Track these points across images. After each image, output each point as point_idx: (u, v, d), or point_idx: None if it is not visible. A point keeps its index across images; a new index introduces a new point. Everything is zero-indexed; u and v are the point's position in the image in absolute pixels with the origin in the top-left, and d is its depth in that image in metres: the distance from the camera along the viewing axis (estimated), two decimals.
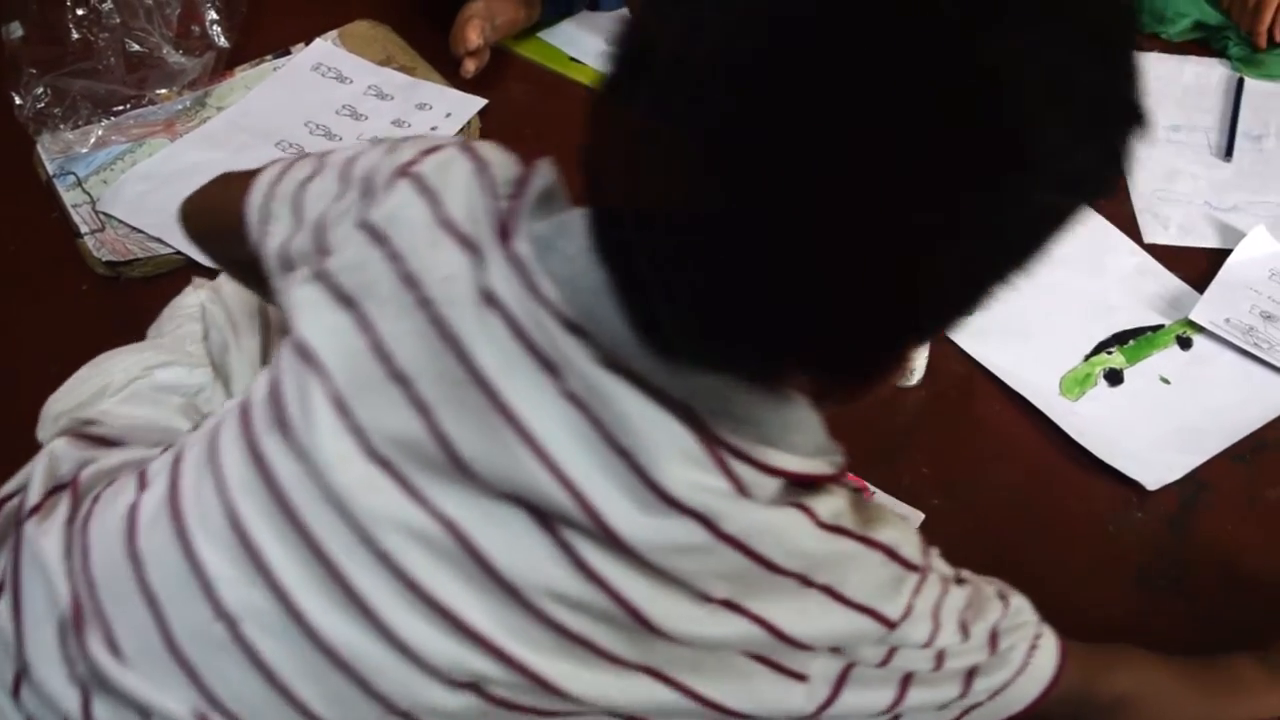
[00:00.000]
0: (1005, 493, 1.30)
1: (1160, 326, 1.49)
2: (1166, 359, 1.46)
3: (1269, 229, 1.59)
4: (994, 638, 0.84)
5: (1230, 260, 1.55)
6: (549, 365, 0.66)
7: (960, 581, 0.84)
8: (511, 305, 0.66)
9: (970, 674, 0.83)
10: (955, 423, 1.38)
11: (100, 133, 1.62)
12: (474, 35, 1.71)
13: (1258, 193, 1.68)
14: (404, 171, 0.74)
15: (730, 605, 0.70)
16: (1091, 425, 1.36)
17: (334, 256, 0.74)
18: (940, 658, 0.80)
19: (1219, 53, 1.91)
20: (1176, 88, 1.85)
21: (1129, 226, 1.61)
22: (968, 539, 1.23)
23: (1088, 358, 1.45)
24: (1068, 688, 0.90)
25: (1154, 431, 1.37)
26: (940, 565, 0.82)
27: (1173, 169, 1.71)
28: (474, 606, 0.68)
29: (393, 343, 0.69)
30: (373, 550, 0.68)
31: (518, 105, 1.76)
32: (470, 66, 1.74)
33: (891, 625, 0.75)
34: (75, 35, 1.67)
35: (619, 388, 0.65)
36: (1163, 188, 1.68)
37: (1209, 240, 1.61)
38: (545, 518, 0.67)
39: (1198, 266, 1.57)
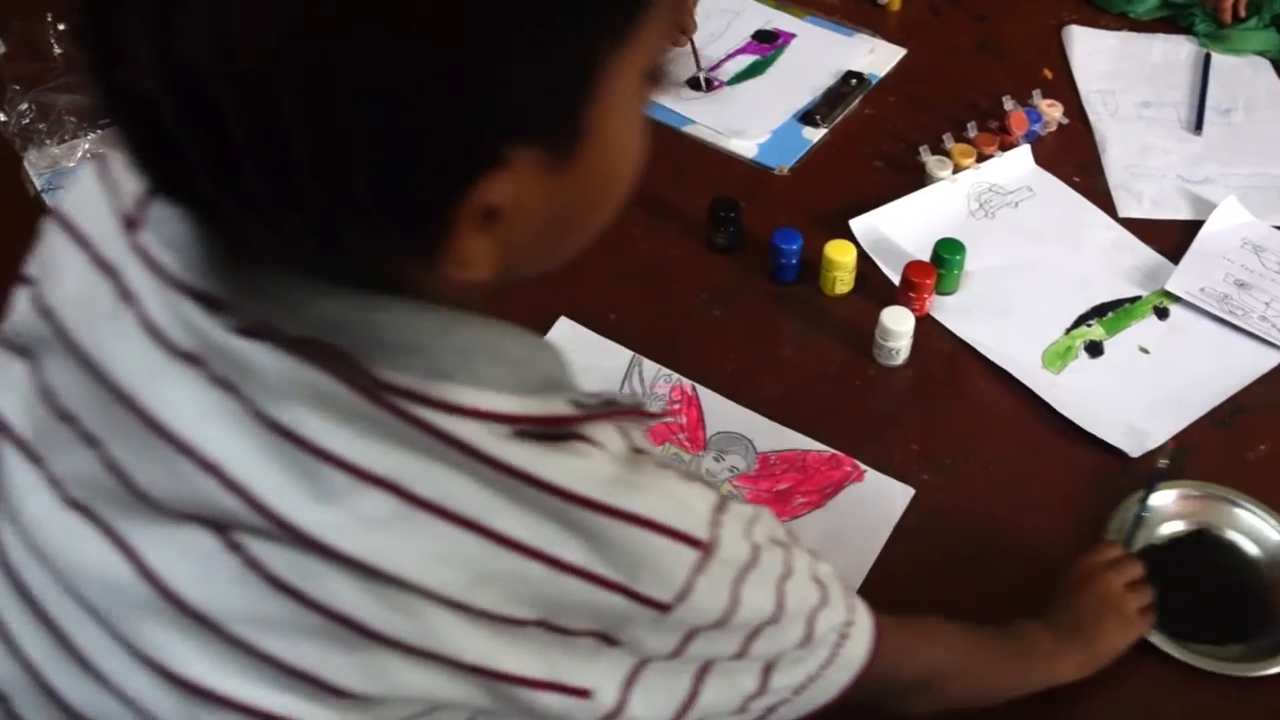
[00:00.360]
0: (993, 466, 1.34)
1: (1138, 298, 1.53)
2: (1145, 329, 1.49)
3: (1239, 199, 1.63)
4: (810, 624, 0.77)
5: (1203, 231, 1.60)
6: (190, 356, 0.59)
7: (782, 546, 0.75)
8: (145, 300, 0.61)
9: (770, 666, 0.76)
10: (942, 400, 1.41)
11: (87, 146, 1.65)
12: None
13: (1228, 165, 1.72)
14: (49, 211, 0.70)
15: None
16: (1074, 396, 1.40)
17: (10, 317, 0.71)
18: (744, 641, 0.72)
19: (1186, 29, 1.95)
20: (1146, 65, 1.89)
21: (1104, 202, 1.66)
22: (958, 512, 1.28)
23: (1068, 331, 1.48)
24: (878, 671, 0.84)
25: (1135, 400, 1.41)
26: (737, 534, 0.70)
27: (1145, 144, 1.75)
28: (185, 654, 0.61)
29: (54, 381, 0.66)
30: (86, 608, 0.64)
31: None
32: None
33: (663, 608, 0.65)
34: (58, 51, 1.69)
35: (258, 352, 0.57)
36: (1135, 163, 1.72)
37: (1182, 212, 1.65)
38: (224, 531, 0.60)
39: (1172, 238, 1.61)
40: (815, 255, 1.50)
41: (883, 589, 1.21)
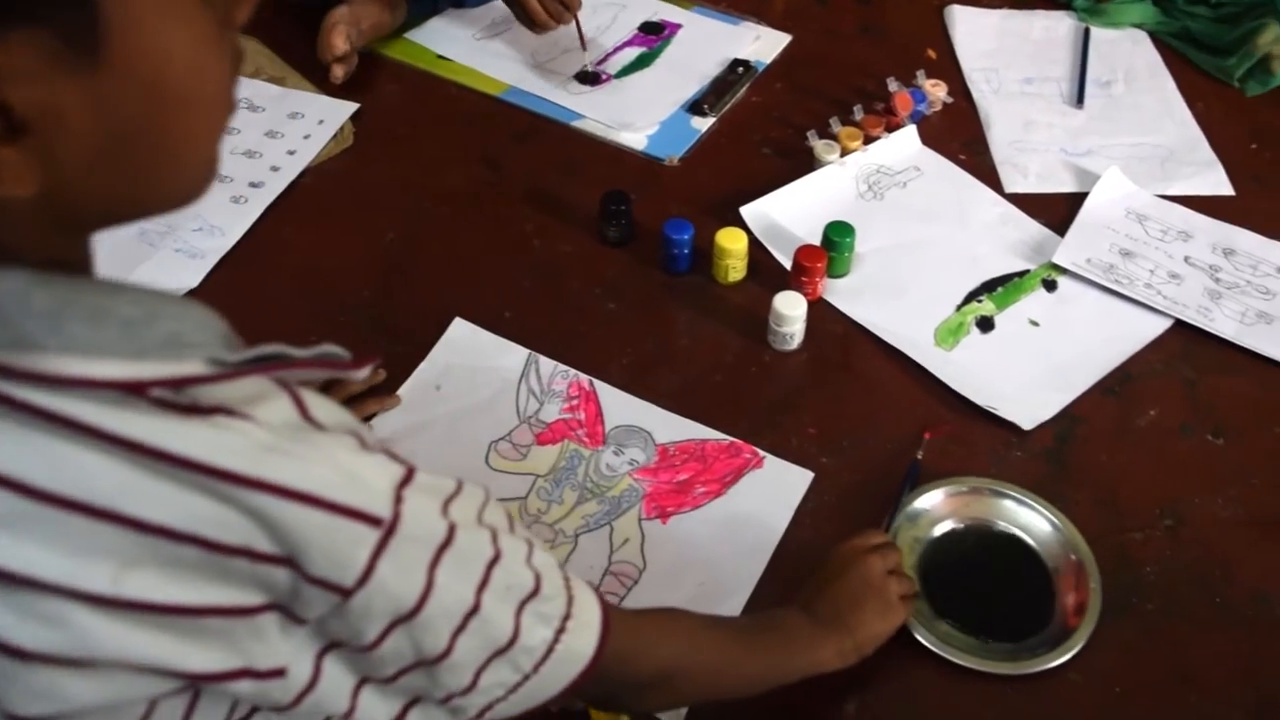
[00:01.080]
0: (890, 445, 1.35)
1: (1026, 271, 1.55)
2: (1034, 302, 1.52)
3: (1122, 170, 1.66)
4: (518, 614, 0.72)
5: (1088, 202, 1.62)
6: None
7: (488, 528, 0.71)
8: None
9: (485, 664, 0.72)
10: (837, 382, 1.42)
11: None
12: (339, 41, 1.72)
13: (1109, 136, 1.75)
14: None
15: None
16: (967, 372, 1.42)
17: None
18: (447, 633, 0.68)
19: (1065, 5, 1.99)
20: (1027, 43, 1.92)
21: (990, 178, 1.68)
22: (857, 492, 1.29)
23: (959, 307, 1.50)
24: (607, 666, 0.80)
25: (1027, 373, 1.43)
26: (429, 511, 0.66)
27: (1028, 120, 1.77)
28: None
29: None
30: None
31: (390, 107, 1.77)
32: (339, 72, 1.76)
33: (343, 592, 0.61)
34: None
35: None
36: (1019, 138, 1.74)
37: (1066, 185, 1.68)
38: None
39: (1058, 211, 1.63)
40: (707, 244, 1.50)
41: (786, 573, 1.22)
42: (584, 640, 0.78)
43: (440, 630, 0.67)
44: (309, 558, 0.59)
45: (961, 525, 1.27)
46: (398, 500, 0.63)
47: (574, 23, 1.79)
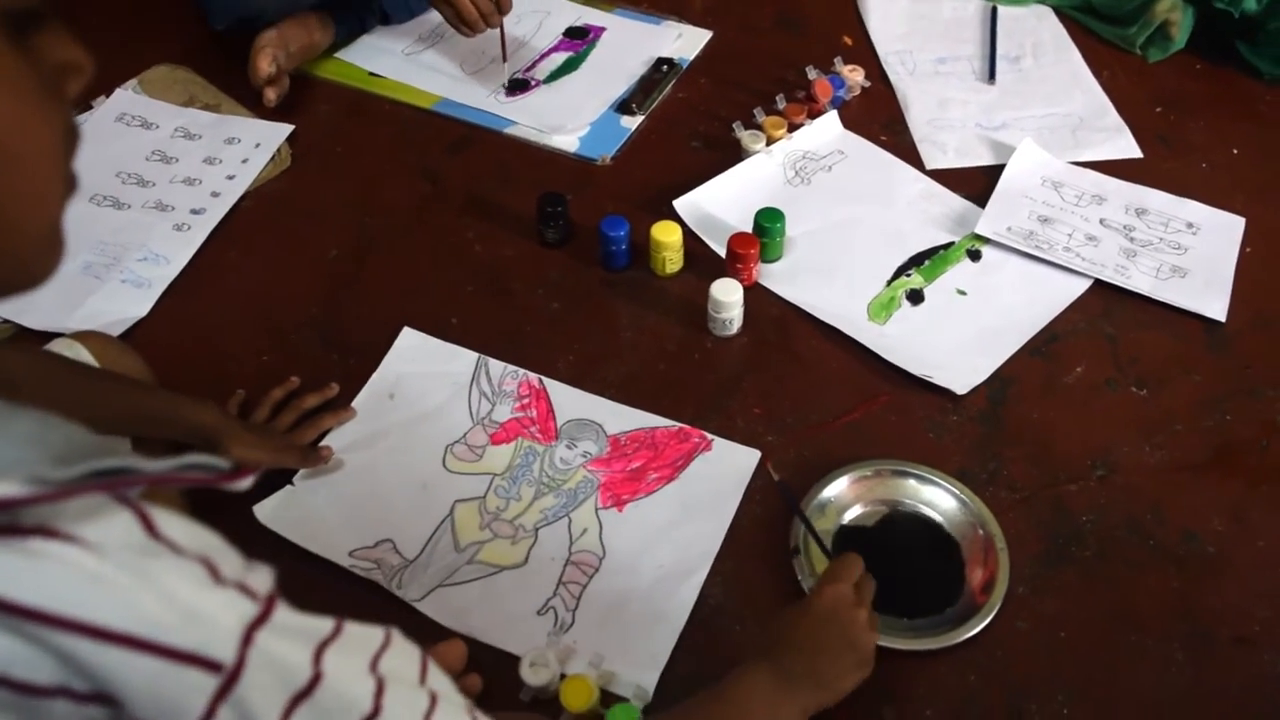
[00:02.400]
0: (832, 419, 1.40)
1: (951, 244, 1.61)
2: (960, 272, 1.57)
3: (1035, 140, 1.73)
4: None
5: (1005, 174, 1.69)
6: None
7: (373, 680, 0.63)
8: None
9: None
10: (778, 363, 1.47)
11: None
12: (264, 64, 1.75)
13: (1021, 109, 1.82)
14: None
15: None
16: (901, 344, 1.47)
17: None
18: None
19: None
20: (938, 24, 1.98)
21: (911, 157, 1.74)
22: (803, 465, 1.34)
23: (889, 283, 1.56)
24: None
25: (958, 340, 1.49)
26: (287, 653, 0.59)
27: (943, 98, 1.84)
28: None
29: None
30: None
31: (325, 126, 1.80)
32: (271, 95, 1.78)
33: None
34: None
35: None
36: (936, 116, 1.80)
37: (984, 159, 1.74)
38: None
39: (977, 184, 1.69)
40: (643, 239, 1.55)
41: (741, 549, 1.27)
42: None
43: None
44: (135, 704, 0.54)
45: (869, 509, 1.31)
46: (245, 642, 0.56)
47: (499, 31, 1.82)
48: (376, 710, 0.62)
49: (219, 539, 0.60)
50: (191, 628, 0.55)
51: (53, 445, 0.55)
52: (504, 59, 1.86)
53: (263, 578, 0.60)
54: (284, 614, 0.59)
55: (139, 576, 0.54)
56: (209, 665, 0.55)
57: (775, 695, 1.01)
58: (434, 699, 0.66)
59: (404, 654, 0.66)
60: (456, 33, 1.80)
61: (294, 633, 0.59)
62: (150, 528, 0.56)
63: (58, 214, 0.60)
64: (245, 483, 0.58)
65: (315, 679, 0.59)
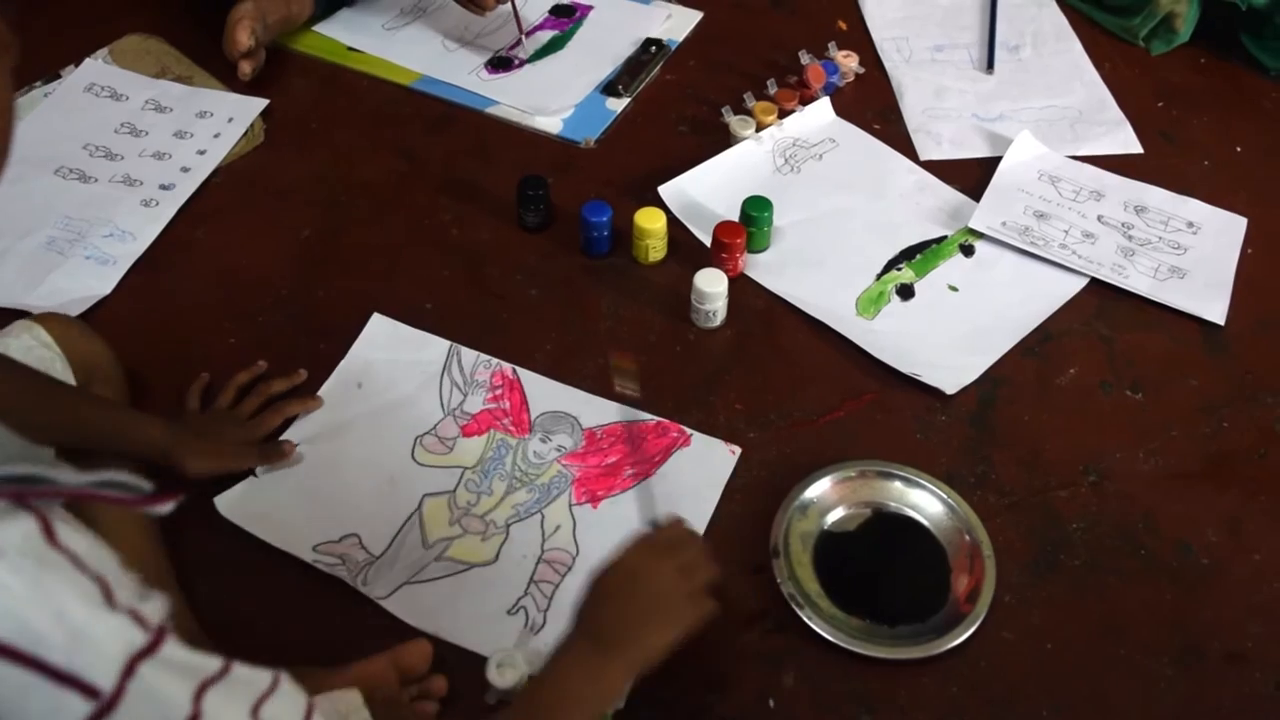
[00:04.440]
0: (815, 416, 1.36)
1: (944, 238, 1.56)
2: (953, 267, 1.53)
3: (1033, 133, 1.68)
4: None
5: (1001, 166, 1.64)
6: None
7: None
8: None
9: None
10: (762, 357, 1.43)
11: None
12: (243, 36, 1.70)
13: (1019, 100, 1.77)
14: None
15: None
16: (889, 340, 1.43)
17: None
18: None
19: None
20: (936, 10, 1.94)
21: (904, 147, 1.69)
22: (783, 464, 1.30)
23: (879, 276, 1.51)
24: None
25: (948, 338, 1.44)
26: (174, 692, 0.58)
27: (940, 87, 1.79)
28: None
29: None
30: None
31: (300, 101, 1.75)
32: (246, 68, 1.73)
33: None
34: None
35: None
36: (932, 106, 1.75)
37: (980, 150, 1.69)
38: None
39: (972, 176, 1.65)
40: (626, 225, 1.50)
41: (719, 548, 1.22)
42: None
43: None
44: (6, 716, 0.53)
45: (852, 511, 1.27)
46: (127, 673, 0.55)
47: (511, 4, 1.78)
48: (311, 710, 0.62)
49: (117, 562, 0.57)
50: (76, 649, 0.53)
51: None
52: (519, 31, 1.81)
53: (156, 607, 0.58)
54: (172, 648, 0.57)
55: (32, 586, 0.52)
56: (87, 690, 0.54)
57: (592, 665, 0.98)
58: None
59: (289, 701, 0.64)
60: (439, 6, 1.75)
61: (179, 669, 0.58)
62: (51, 535, 0.54)
63: None
64: (165, 508, 0.56)
65: (192, 718, 0.57)
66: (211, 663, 0.60)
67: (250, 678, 0.63)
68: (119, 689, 0.54)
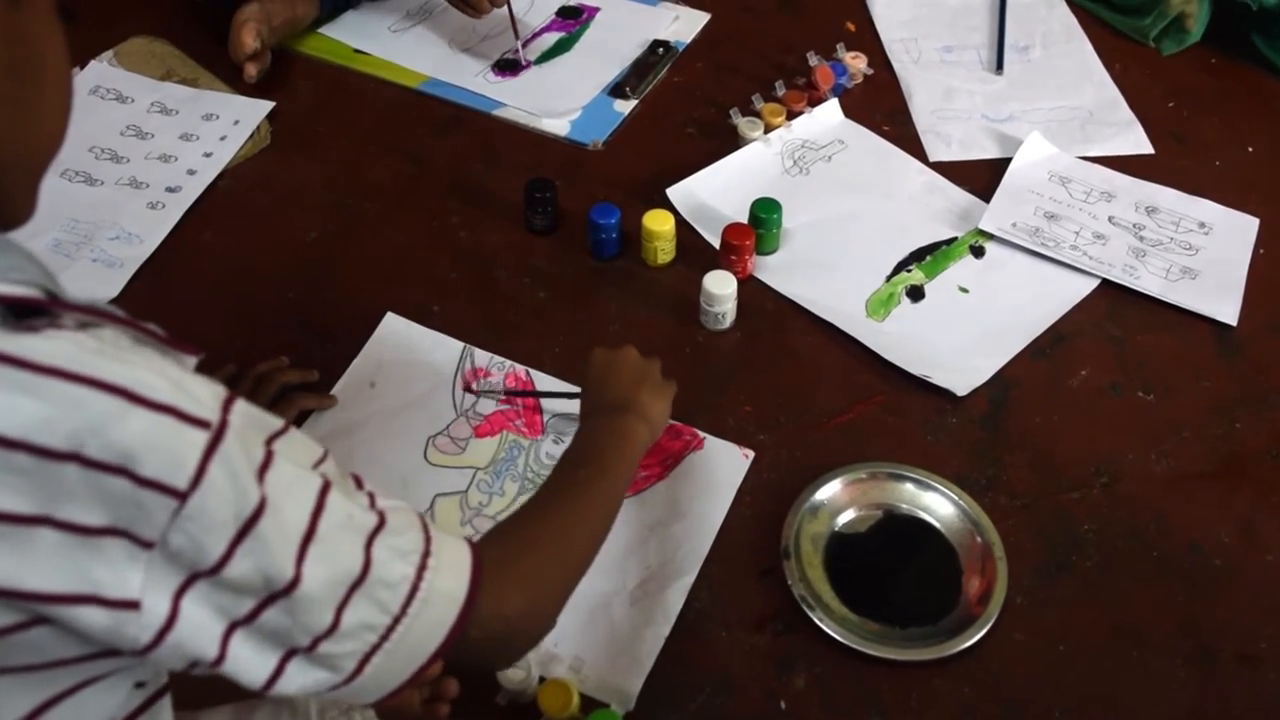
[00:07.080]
0: (826, 418, 1.35)
1: (954, 239, 1.56)
2: (963, 269, 1.52)
3: (1043, 133, 1.67)
4: (368, 547, 0.71)
5: (1011, 167, 1.63)
6: None
7: (319, 477, 0.70)
8: None
9: (344, 600, 0.69)
10: (771, 359, 1.42)
11: None
12: (249, 39, 1.70)
13: (1030, 101, 1.77)
14: None
15: None
16: (899, 342, 1.42)
17: None
18: (288, 556, 0.66)
19: None
20: (945, 10, 1.93)
21: (914, 148, 1.69)
22: (794, 466, 1.30)
23: (889, 278, 1.50)
24: (488, 612, 0.77)
25: (959, 339, 1.44)
26: (250, 430, 0.66)
27: (949, 88, 1.78)
28: None
29: None
30: None
31: (306, 103, 1.74)
32: (252, 71, 1.73)
33: (178, 495, 0.61)
34: None
35: None
36: (941, 107, 1.75)
37: (990, 151, 1.69)
38: None
39: (982, 177, 1.64)
40: (635, 227, 1.50)
41: (731, 552, 1.23)
42: (452, 581, 0.75)
43: (280, 551, 0.65)
44: (139, 459, 0.60)
45: (863, 513, 1.26)
46: (225, 409, 0.64)
47: (507, 10, 1.77)
48: (326, 486, 0.69)
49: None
50: (180, 393, 0.62)
51: (47, 274, 0.66)
52: (516, 37, 1.80)
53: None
54: (245, 403, 0.66)
55: (133, 356, 0.62)
56: (199, 423, 0.62)
57: (617, 424, 1.10)
58: (372, 495, 0.74)
59: (339, 470, 0.73)
60: (445, 9, 1.75)
61: (255, 420, 0.67)
62: (138, 336, 0.65)
63: (60, 142, 0.71)
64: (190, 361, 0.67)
65: (269, 455, 0.66)
66: (273, 421, 0.69)
67: (305, 440, 0.72)
68: (223, 421, 0.63)
